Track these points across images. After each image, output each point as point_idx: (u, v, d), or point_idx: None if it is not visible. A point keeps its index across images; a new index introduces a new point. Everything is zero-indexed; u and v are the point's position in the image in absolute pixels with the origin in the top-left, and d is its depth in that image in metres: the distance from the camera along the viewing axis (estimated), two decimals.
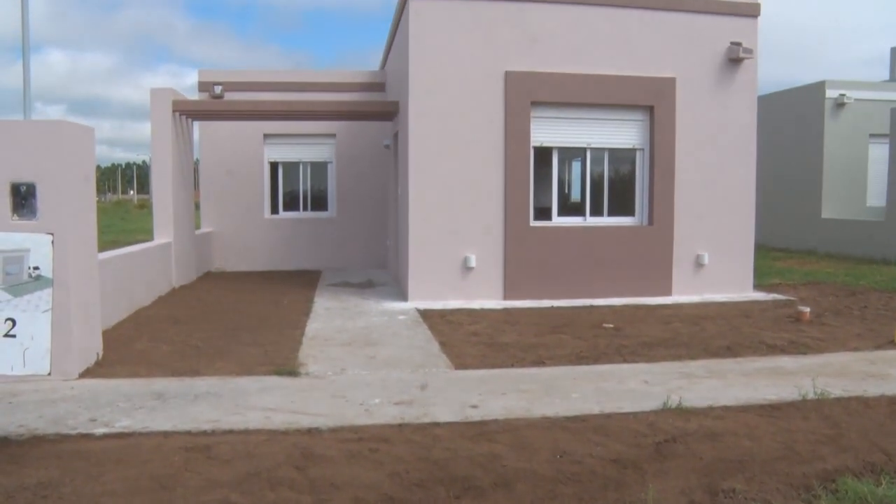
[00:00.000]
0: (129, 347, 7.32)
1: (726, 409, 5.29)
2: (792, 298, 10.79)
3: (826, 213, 18.61)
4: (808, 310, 9.06)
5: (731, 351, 7.29)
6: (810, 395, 5.54)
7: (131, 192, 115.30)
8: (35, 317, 5.80)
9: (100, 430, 4.76)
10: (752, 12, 11.20)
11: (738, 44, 10.95)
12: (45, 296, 5.91)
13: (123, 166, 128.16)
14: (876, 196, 18.54)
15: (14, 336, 5.77)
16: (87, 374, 6.26)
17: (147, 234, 14.16)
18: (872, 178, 18.75)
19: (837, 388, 5.76)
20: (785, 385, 5.91)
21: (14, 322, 5.73)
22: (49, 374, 5.86)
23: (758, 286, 11.67)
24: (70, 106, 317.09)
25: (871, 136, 18.45)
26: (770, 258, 16.45)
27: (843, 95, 18.38)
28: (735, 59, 11.02)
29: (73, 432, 4.73)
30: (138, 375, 6.22)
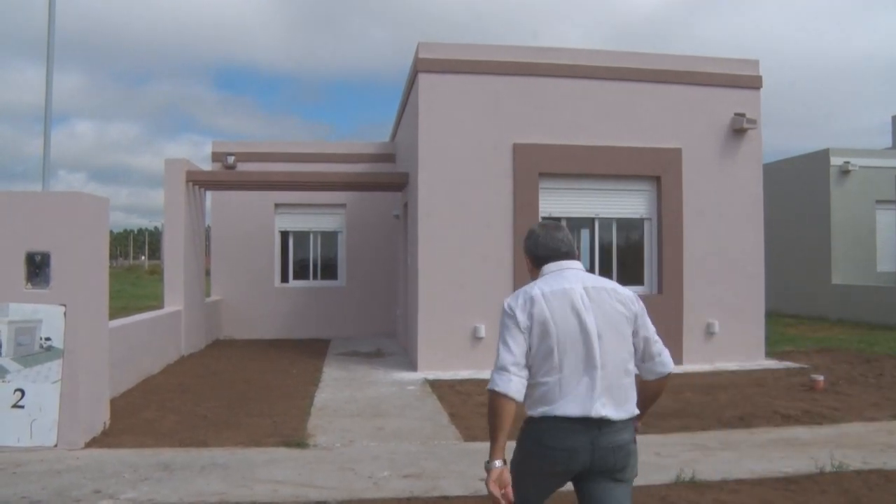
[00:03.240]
0: (137, 417, 7.28)
1: (741, 482, 5.18)
2: (805, 366, 10.66)
3: (836, 279, 18.54)
4: (822, 378, 8.94)
5: (744, 421, 7.16)
6: (828, 468, 5.42)
7: (143, 257, 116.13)
8: (44, 388, 5.80)
9: (104, 503, 4.70)
10: (755, 84, 11.43)
11: (742, 115, 11.16)
12: (55, 367, 5.93)
13: (136, 232, 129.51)
14: (886, 261, 18.51)
15: (22, 407, 5.76)
16: (93, 443, 6.21)
17: (157, 300, 14.23)
18: (881, 244, 18.76)
19: (856, 460, 5.64)
20: (801, 457, 5.79)
21: (23, 393, 5.73)
22: (55, 445, 5.85)
23: (770, 354, 11.54)
24: (92, 174, 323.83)
25: (878, 202, 18.55)
26: (781, 325, 16.31)
27: (848, 163, 18.54)
28: (739, 129, 11.19)
29: None
30: (145, 446, 6.16)
